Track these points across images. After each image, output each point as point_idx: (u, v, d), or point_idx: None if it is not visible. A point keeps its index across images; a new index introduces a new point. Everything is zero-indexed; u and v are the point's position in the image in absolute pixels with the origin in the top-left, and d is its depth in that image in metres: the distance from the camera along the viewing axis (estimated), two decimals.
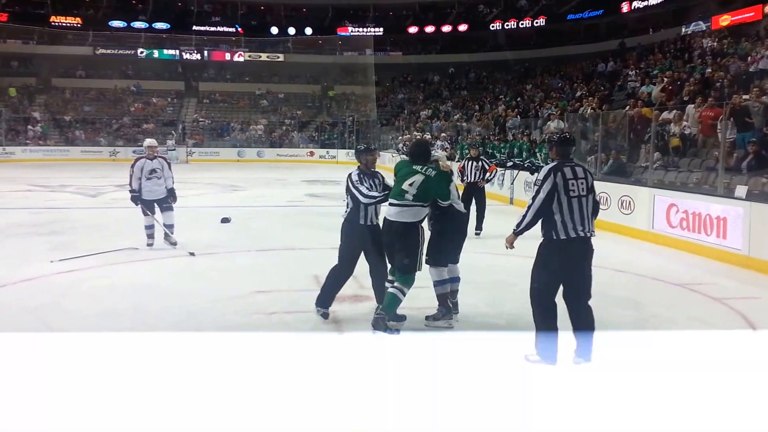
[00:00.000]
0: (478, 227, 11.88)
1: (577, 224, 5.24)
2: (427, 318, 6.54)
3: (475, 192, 11.94)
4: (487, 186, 12.40)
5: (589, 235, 5.30)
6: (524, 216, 5.31)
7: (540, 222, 5.31)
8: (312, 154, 40.50)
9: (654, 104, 17.17)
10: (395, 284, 6.17)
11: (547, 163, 5.40)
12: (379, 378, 5.12)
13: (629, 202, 12.28)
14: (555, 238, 5.25)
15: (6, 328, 6.31)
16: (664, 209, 11.22)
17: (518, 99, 31.67)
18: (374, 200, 6.38)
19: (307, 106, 47.38)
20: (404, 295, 6.14)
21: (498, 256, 10.14)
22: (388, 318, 6.12)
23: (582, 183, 5.26)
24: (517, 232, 5.39)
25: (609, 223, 12.66)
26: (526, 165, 17.51)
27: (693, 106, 14.33)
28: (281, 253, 10.28)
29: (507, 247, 5.58)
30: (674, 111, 14.77)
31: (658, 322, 6.78)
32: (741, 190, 10.25)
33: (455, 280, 6.57)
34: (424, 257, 6.33)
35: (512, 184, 17.45)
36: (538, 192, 5.24)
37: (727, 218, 9.81)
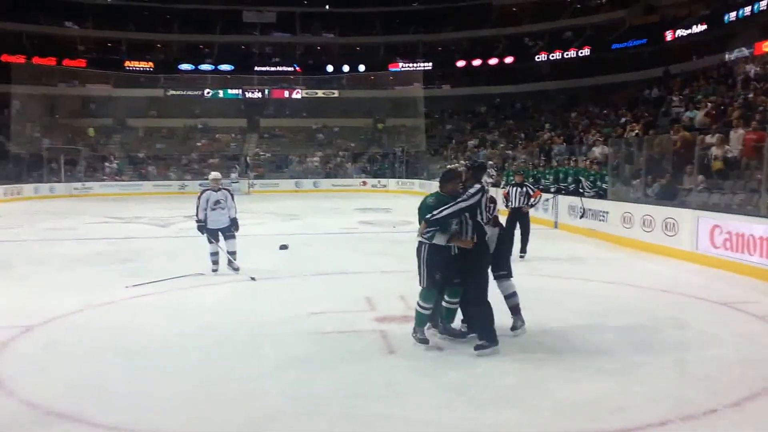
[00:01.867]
0: (523, 250, 11.84)
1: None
2: (512, 329, 6.72)
3: (519, 217, 11.91)
4: (531, 211, 12.37)
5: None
6: (441, 211, 6.02)
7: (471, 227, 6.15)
8: (365, 183, 40.82)
9: (697, 129, 16.88)
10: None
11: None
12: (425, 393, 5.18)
13: (673, 224, 12.06)
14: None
15: (86, 347, 6.57)
16: (707, 230, 10.99)
17: (563, 127, 31.41)
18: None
19: (360, 139, 47.90)
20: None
21: (543, 278, 10.22)
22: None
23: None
24: (429, 219, 6.04)
25: (653, 245, 12.47)
26: (571, 189, 17.39)
27: (736, 129, 14.05)
28: (334, 277, 10.39)
29: (419, 235, 6.22)
30: (717, 134, 14.51)
31: (702, 340, 6.64)
32: None
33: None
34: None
35: (554, 207, 17.33)
36: (464, 200, 6.07)
37: None
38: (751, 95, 18.60)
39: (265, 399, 5.14)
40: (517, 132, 36.89)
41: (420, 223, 6.19)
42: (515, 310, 6.74)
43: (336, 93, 50.09)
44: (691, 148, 14.01)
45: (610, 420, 4.57)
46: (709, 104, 18.98)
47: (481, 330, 6.22)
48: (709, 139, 14.46)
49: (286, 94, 50.30)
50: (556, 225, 17.43)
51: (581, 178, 17.41)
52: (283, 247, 13.21)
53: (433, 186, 25.93)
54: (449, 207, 6.05)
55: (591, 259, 12.25)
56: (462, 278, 6.29)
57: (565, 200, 17.17)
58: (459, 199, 6.10)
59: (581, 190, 17.02)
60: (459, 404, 4.96)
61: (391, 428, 4.52)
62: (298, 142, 47.78)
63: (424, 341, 6.36)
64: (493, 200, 6.96)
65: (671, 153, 15.01)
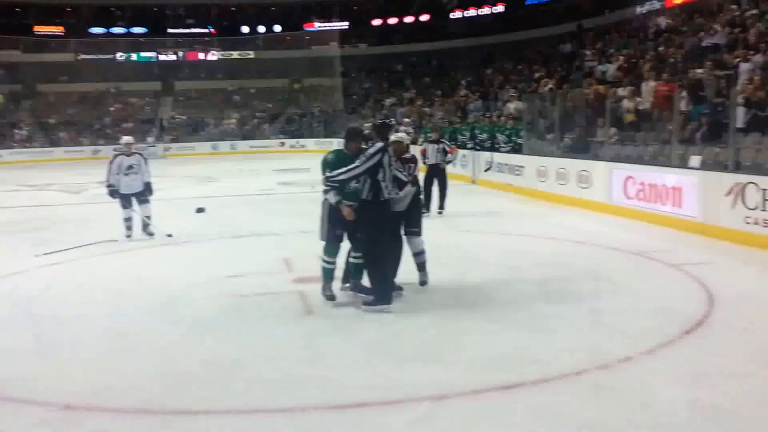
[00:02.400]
0: (441, 206, 11.90)
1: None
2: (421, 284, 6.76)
3: (436, 173, 11.91)
4: (449, 167, 12.38)
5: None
6: (339, 174, 5.98)
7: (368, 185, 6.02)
8: (283, 144, 40.25)
9: (610, 82, 17.17)
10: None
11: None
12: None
13: (587, 176, 12.27)
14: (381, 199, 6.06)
15: None
16: (621, 182, 11.22)
17: (479, 84, 31.57)
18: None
19: (277, 100, 47.11)
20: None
21: (461, 233, 10.26)
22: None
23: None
24: (326, 178, 6.08)
25: (569, 197, 12.68)
26: (487, 145, 17.53)
27: (647, 81, 14.33)
28: (252, 239, 10.13)
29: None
30: (629, 87, 14.78)
31: (615, 289, 6.73)
32: (695, 160, 10.28)
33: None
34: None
35: (473, 163, 17.45)
36: (362, 163, 5.96)
37: (682, 188, 9.81)
38: (662, 48, 19.02)
39: (180, 364, 4.96)
40: (433, 89, 36.90)
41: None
42: (421, 266, 6.76)
43: (252, 54, 48.93)
44: (603, 101, 14.24)
45: (527, 371, 4.54)
46: (621, 58, 19.32)
47: (373, 286, 6.16)
48: (621, 91, 14.71)
49: (201, 56, 48.74)
50: (474, 181, 17.55)
51: (497, 134, 17.56)
52: (200, 210, 12.81)
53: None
54: (347, 171, 5.97)
55: (508, 213, 12.37)
56: (363, 234, 6.21)
57: (482, 156, 17.28)
58: (356, 163, 5.99)
59: (496, 146, 17.18)
60: (378, 362, 4.87)
61: (311, 389, 4.37)
62: (214, 104, 46.62)
63: (332, 298, 6.30)
64: (413, 159, 6.92)
65: (584, 107, 15.24)
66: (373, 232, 6.13)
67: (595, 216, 11.35)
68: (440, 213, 11.72)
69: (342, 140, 6.68)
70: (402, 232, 6.66)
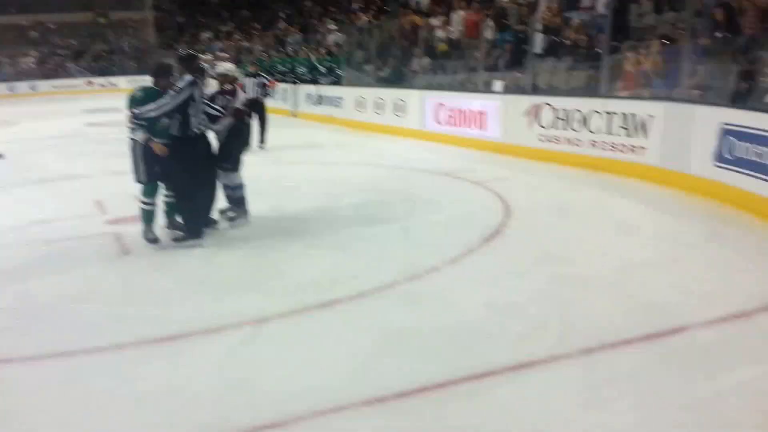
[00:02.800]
0: (262, 140, 11.84)
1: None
2: (221, 213, 6.69)
3: (255, 107, 11.77)
4: (269, 100, 12.32)
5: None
6: (148, 111, 5.77)
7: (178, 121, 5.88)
8: (91, 83, 37.44)
9: (424, 12, 17.61)
10: None
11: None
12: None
13: (402, 105, 12.73)
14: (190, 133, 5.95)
15: None
16: (433, 109, 11.78)
17: (298, 16, 31.11)
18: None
19: (81, 35, 43.56)
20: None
21: (283, 165, 10.34)
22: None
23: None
24: (133, 114, 5.83)
25: (386, 126, 13.13)
26: (307, 78, 17.52)
27: (457, 11, 14.86)
28: (60, 184, 9.53)
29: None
30: (441, 17, 15.27)
31: (425, 207, 7.19)
32: (498, 85, 10.97)
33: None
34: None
35: (291, 96, 17.44)
36: (170, 99, 5.77)
37: (486, 111, 10.50)
38: None
39: None
40: (252, 23, 35.89)
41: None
42: (239, 202, 6.69)
43: None
44: (417, 32, 14.64)
45: (342, 288, 4.78)
46: None
47: (183, 221, 6.16)
48: (434, 21, 15.17)
49: None
50: (294, 114, 17.57)
51: (317, 65, 17.58)
52: None
53: None
54: (156, 108, 5.77)
55: (329, 144, 12.58)
56: (174, 170, 6.08)
57: (302, 89, 17.29)
58: (165, 98, 5.80)
59: (317, 78, 17.23)
60: (198, 296, 4.89)
61: (128, 327, 4.32)
62: (7, 41, 42.12)
63: (154, 240, 6.13)
64: (232, 92, 6.79)
65: (400, 38, 15.59)
66: (183, 167, 6.00)
67: (410, 142, 11.87)
68: (261, 147, 11.67)
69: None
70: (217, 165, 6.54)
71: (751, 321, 3.98)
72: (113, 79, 37.51)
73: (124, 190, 8.27)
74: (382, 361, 3.71)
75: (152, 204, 6.15)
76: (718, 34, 7.83)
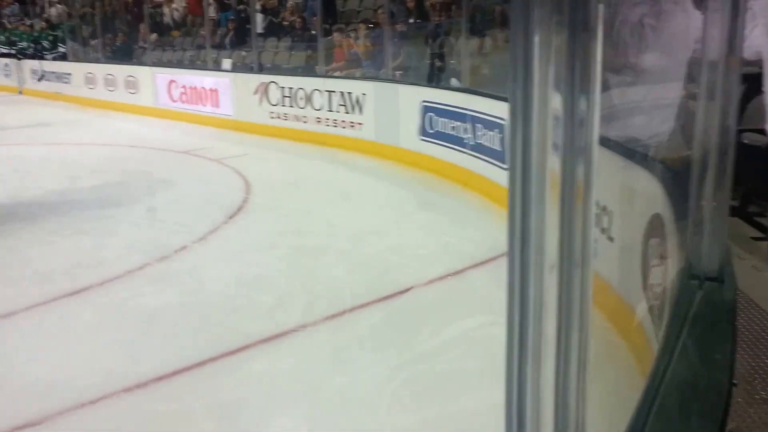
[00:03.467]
0: None
1: None
2: None
3: None
4: None
5: None
6: None
7: None
8: None
9: None
10: None
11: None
12: None
13: (134, 81, 11.93)
14: None
15: None
16: (165, 86, 11.22)
17: None
18: None
19: None
20: None
21: (10, 146, 9.15)
22: None
23: None
24: None
25: (118, 103, 12.23)
26: (30, 53, 15.58)
27: None
28: None
29: None
30: None
31: (167, 186, 6.92)
32: (227, 63, 10.76)
33: None
34: None
35: (15, 71, 15.44)
36: None
37: (218, 89, 10.28)
38: None
39: None
40: None
41: None
42: None
43: None
44: (141, 6, 13.73)
45: (91, 274, 4.44)
46: None
47: None
48: None
49: None
50: (20, 91, 15.57)
51: (40, 40, 15.70)
52: None
53: None
54: None
55: (59, 123, 11.38)
56: None
57: (27, 64, 15.34)
58: None
59: (40, 53, 15.40)
60: None
61: None
62: None
63: None
64: None
65: (124, 11, 14.51)
66: None
67: (145, 120, 11.18)
68: None
69: None
70: None
71: (464, 278, 4.41)
72: None
73: None
74: (138, 345, 3.53)
75: None
76: (411, 20, 8.55)
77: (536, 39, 0.71)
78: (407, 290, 4.19)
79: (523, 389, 0.81)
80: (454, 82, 7.27)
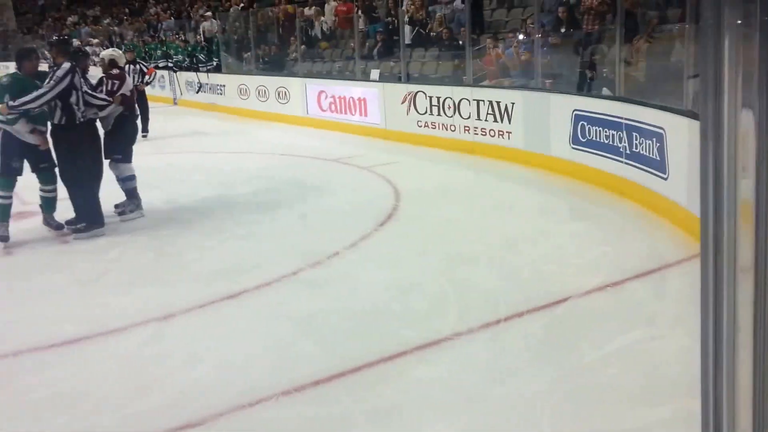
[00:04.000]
0: (145, 129, 11.22)
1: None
2: (121, 214, 6.25)
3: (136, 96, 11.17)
4: (148, 89, 11.72)
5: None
6: (25, 103, 5.30)
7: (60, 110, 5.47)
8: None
9: (297, 2, 17.34)
10: None
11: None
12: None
13: (285, 92, 12.52)
14: (76, 122, 5.56)
15: None
16: (315, 96, 11.67)
17: (169, 1, 29.75)
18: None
19: None
20: None
21: (168, 155, 9.89)
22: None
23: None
24: (11, 106, 5.30)
25: (270, 113, 12.86)
26: (185, 65, 16.82)
27: (329, 2, 14.75)
28: None
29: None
30: (314, 7, 15.11)
31: (319, 193, 7.14)
32: (375, 74, 11.00)
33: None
34: None
35: (171, 84, 16.71)
36: (50, 88, 5.36)
37: (366, 98, 10.53)
38: None
39: None
40: (120, 7, 33.93)
41: None
42: (130, 194, 6.34)
43: None
44: (292, 20, 14.41)
45: (247, 279, 4.65)
46: None
47: (80, 213, 5.76)
48: (307, 11, 14.98)
49: None
50: (175, 101, 16.84)
51: (195, 53, 16.92)
52: None
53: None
54: (36, 98, 5.32)
55: (214, 133, 12.15)
56: (52, 161, 5.69)
57: (183, 77, 16.59)
58: (45, 88, 5.37)
59: (196, 66, 16.58)
60: (96, 293, 4.60)
61: (22, 332, 4.00)
62: None
63: (5, 238, 5.61)
64: (119, 76, 6.43)
65: (276, 25, 15.29)
66: (72, 157, 5.61)
67: (294, 129, 11.70)
68: (144, 137, 11.09)
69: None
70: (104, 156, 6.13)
71: (623, 290, 4.22)
72: None
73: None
74: (294, 349, 3.65)
75: (9, 198, 5.66)
76: (563, 30, 8.33)
77: (726, 58, 0.70)
78: (564, 300, 4.03)
79: (719, 396, 0.79)
80: (605, 91, 7.05)
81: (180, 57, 17.55)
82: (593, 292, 4.18)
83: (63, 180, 5.71)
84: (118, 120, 6.26)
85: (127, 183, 6.34)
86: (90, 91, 5.82)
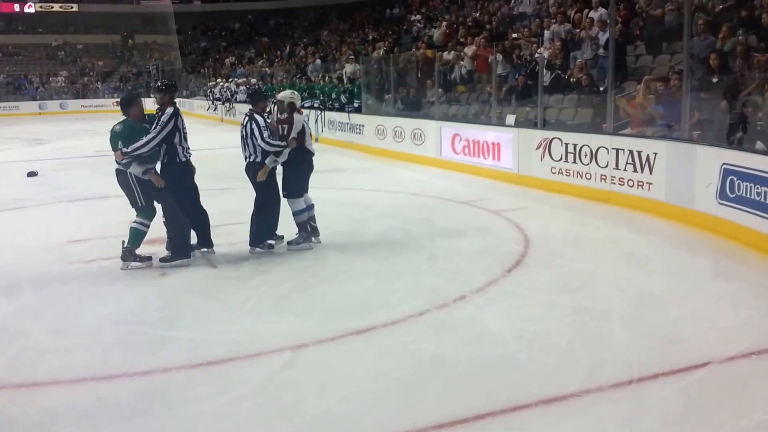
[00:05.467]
0: None
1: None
2: (288, 243, 6.68)
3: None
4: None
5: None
6: (135, 149, 5.86)
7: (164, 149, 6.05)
8: (118, 104, 37.59)
9: (436, 46, 17.75)
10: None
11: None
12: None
13: (420, 134, 12.80)
14: (178, 160, 6.11)
15: None
16: (449, 139, 11.84)
17: (316, 44, 31.38)
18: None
19: (108, 57, 43.94)
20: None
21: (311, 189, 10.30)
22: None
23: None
24: (125, 153, 5.87)
25: (404, 153, 13.19)
26: (329, 105, 17.65)
27: (469, 46, 14.98)
28: (95, 202, 9.57)
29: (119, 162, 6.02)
30: (453, 51, 15.39)
31: (448, 235, 7.21)
32: (510, 119, 11.02)
33: (310, 208, 6.80)
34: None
35: (316, 122, 17.51)
36: (156, 134, 5.90)
37: (500, 143, 10.56)
38: (477, 14, 19.83)
39: (29, 337, 4.63)
40: (273, 50, 36.18)
41: (114, 152, 5.96)
42: (301, 226, 6.68)
43: (75, 7, 44.85)
44: (431, 64, 14.76)
45: (375, 315, 4.79)
46: (444, 23, 19.98)
47: (172, 242, 6.23)
48: (446, 55, 15.29)
49: (17, 7, 43.89)
50: (317, 139, 17.62)
51: (340, 93, 17.72)
52: (32, 174, 11.89)
53: (194, 104, 24.82)
54: (145, 144, 5.86)
55: (350, 170, 12.60)
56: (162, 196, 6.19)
57: (327, 115, 17.42)
58: (152, 133, 5.91)
59: (341, 105, 17.31)
60: (238, 318, 4.90)
61: (171, 350, 4.33)
62: (37, 60, 42.52)
63: (148, 259, 6.18)
64: (288, 120, 6.64)
65: (415, 69, 15.71)
66: (171, 192, 6.11)
67: (427, 170, 11.91)
68: None
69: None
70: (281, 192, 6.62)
71: None
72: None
73: (158, 210, 8.34)
74: (419, 389, 3.70)
75: (147, 226, 6.23)
76: (714, 79, 7.90)
77: None
78: (703, 365, 3.82)
79: None
80: (759, 145, 6.61)
81: (324, 97, 18.42)
82: (737, 358, 3.95)
83: (165, 211, 6.20)
84: (289, 157, 6.59)
85: (298, 216, 6.65)
86: (267, 142, 6.29)
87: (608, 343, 4.25)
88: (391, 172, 11.97)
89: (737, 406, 3.41)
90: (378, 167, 12.68)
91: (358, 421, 3.37)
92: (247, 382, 3.87)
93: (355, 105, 16.70)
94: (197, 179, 6.41)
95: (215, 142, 18.62)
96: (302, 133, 6.56)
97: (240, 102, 24.94)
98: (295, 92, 7.11)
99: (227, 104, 26.58)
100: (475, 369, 3.94)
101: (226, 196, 9.02)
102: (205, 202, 6.49)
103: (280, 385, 3.82)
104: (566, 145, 9.24)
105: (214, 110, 28.11)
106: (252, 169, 6.44)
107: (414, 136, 12.99)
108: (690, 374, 3.76)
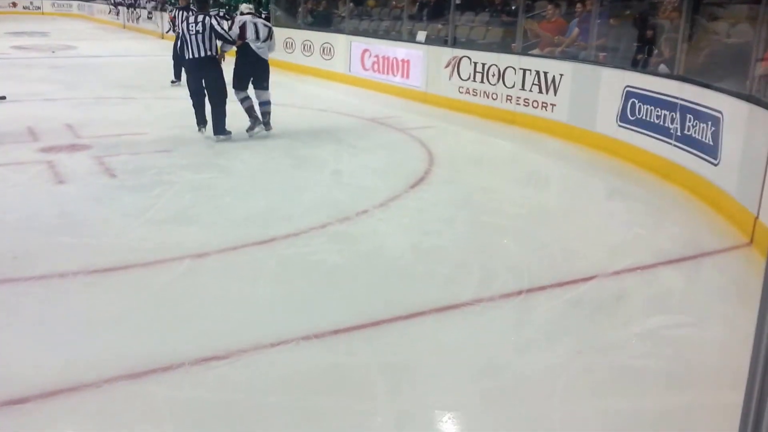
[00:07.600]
0: (177, 76, 11.27)
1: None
2: (247, 131, 7.61)
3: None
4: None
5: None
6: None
7: None
8: (15, 5, 34.61)
9: None
10: None
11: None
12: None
13: (330, 48, 12.51)
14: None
15: None
16: (359, 54, 11.64)
17: None
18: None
19: None
20: None
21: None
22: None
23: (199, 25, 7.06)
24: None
25: (313, 68, 12.89)
26: (234, 15, 16.83)
27: None
28: None
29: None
30: None
31: (353, 151, 7.21)
32: (421, 36, 10.91)
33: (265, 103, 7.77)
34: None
35: None
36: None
37: (410, 60, 10.48)
38: None
39: None
40: None
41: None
42: (248, 112, 7.62)
43: None
44: None
45: (278, 227, 4.78)
46: None
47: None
48: None
49: None
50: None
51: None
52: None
53: (93, 8, 23.13)
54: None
55: None
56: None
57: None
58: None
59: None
60: (137, 226, 4.76)
61: (67, 256, 4.19)
62: None
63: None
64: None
65: None
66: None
67: (336, 86, 11.73)
68: (174, 83, 11.14)
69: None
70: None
71: (654, 274, 4.19)
72: (37, 2, 34.89)
73: (55, 116, 7.90)
74: (317, 297, 3.76)
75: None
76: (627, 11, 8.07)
77: None
78: (590, 279, 4.04)
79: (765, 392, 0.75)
80: (662, 68, 6.82)
81: (229, 8, 17.57)
82: (622, 273, 4.16)
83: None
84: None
85: (266, 106, 7.82)
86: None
87: (502, 256, 4.42)
88: (299, 87, 11.69)
89: (619, 317, 3.63)
90: (285, 82, 12.29)
91: (257, 326, 3.40)
92: (146, 289, 3.82)
93: (263, 16, 16.03)
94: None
95: (117, 50, 17.60)
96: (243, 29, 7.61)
97: (143, 8, 23.48)
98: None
99: (130, 9, 24.96)
100: (374, 279, 4.03)
101: (129, 106, 8.63)
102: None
103: (180, 292, 3.78)
104: (475, 64, 9.28)
105: (116, 15, 26.41)
106: (209, 64, 7.15)
107: (323, 50, 12.69)
108: (577, 287, 3.95)
